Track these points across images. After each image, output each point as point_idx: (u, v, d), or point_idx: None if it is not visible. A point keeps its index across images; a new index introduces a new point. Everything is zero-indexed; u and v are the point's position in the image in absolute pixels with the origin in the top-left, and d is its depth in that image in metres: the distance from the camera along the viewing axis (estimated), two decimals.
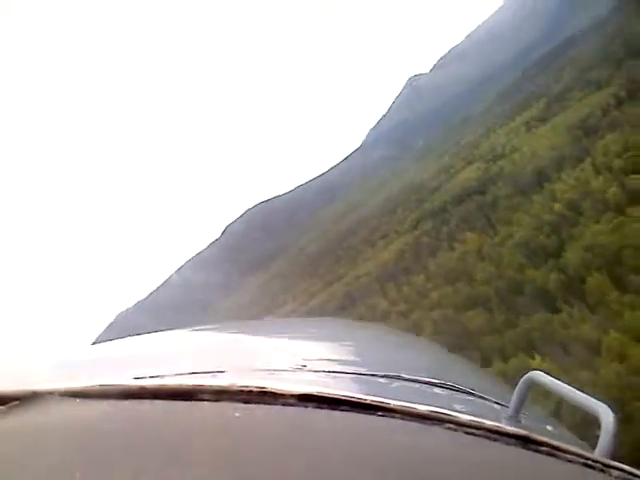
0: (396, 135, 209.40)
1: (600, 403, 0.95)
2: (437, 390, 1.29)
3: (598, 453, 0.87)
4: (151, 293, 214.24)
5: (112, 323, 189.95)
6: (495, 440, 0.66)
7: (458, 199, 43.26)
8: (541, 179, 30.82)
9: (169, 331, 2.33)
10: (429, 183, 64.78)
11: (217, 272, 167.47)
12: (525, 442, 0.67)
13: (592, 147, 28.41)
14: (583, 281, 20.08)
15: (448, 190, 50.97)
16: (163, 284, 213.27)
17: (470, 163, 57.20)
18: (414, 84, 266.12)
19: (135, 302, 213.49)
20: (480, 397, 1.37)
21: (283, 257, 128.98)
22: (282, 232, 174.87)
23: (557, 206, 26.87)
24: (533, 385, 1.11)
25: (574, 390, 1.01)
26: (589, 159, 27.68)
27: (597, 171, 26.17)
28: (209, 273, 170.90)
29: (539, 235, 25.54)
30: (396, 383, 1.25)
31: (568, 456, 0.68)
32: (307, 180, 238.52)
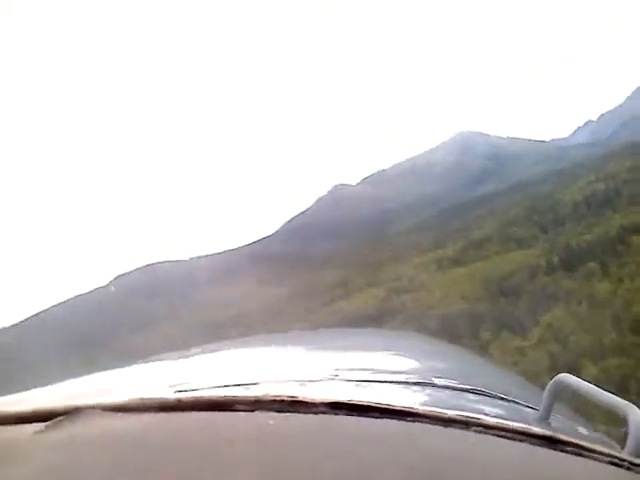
0: (306, 236, 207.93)
1: (627, 403, 0.98)
2: (469, 396, 1.29)
3: (626, 452, 0.88)
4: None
5: None
6: (521, 441, 0.67)
7: (353, 324, 37.20)
8: (450, 338, 25.03)
9: (202, 346, 2.45)
10: (322, 295, 59.06)
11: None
12: (551, 442, 0.67)
13: (528, 319, 22.13)
14: None
15: (340, 310, 45.20)
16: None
17: (370, 285, 52.19)
18: (337, 192, 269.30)
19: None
20: (511, 401, 1.37)
21: (168, 325, 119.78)
22: (167, 299, 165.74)
23: None
24: (562, 387, 1.15)
25: (601, 391, 1.03)
26: (532, 335, 20.98)
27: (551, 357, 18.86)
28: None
29: None
30: (428, 390, 1.27)
31: (595, 455, 0.68)
32: (210, 253, 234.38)
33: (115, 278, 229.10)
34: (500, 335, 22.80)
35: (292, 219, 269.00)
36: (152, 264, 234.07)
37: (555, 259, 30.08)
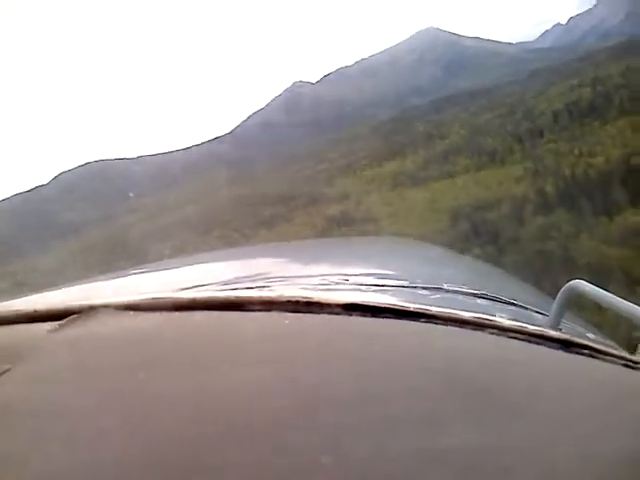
0: (260, 138, 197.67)
1: None
2: (479, 300, 1.32)
3: (639, 355, 0.86)
4: None
5: None
6: (538, 344, 0.66)
7: None
8: None
9: (214, 251, 2.51)
10: (264, 209, 50.93)
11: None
12: (567, 345, 0.67)
13: None
14: None
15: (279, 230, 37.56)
16: None
17: (315, 202, 44.38)
18: (296, 90, 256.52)
19: None
20: (521, 307, 1.39)
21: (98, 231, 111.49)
22: (106, 200, 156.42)
23: None
24: (574, 294, 1.12)
25: (618, 298, 1.00)
26: None
27: None
28: None
29: None
30: (438, 294, 1.29)
31: (609, 357, 0.68)
32: (159, 152, 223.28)
33: (56, 177, 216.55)
34: None
35: (248, 118, 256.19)
36: (96, 161, 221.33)
37: (549, 189, 21.82)
